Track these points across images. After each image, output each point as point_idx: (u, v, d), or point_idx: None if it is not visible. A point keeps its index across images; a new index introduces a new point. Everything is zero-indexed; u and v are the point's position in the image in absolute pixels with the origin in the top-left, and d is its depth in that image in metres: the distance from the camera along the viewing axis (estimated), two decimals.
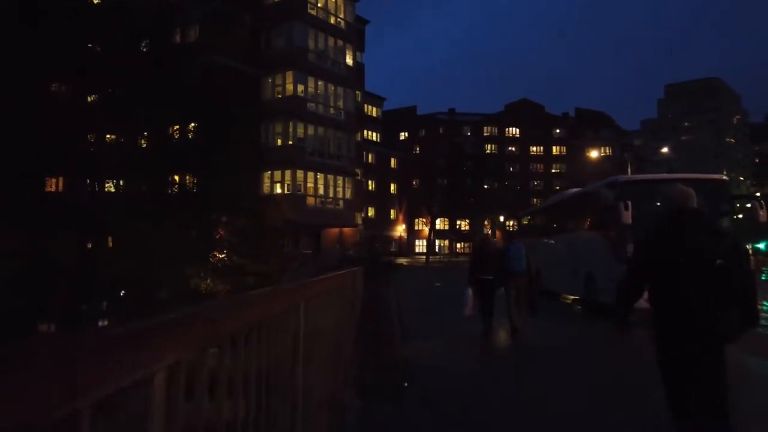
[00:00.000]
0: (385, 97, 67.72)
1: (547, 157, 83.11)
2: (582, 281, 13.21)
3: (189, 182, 32.91)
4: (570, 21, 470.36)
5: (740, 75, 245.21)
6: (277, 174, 34.80)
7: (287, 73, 34.67)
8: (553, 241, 16.15)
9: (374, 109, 64.47)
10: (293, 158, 34.04)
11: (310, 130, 35.35)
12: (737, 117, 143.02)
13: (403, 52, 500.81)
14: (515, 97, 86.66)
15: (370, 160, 60.42)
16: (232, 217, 30.91)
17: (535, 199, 78.32)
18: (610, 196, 11.55)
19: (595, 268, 12.36)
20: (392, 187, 65.30)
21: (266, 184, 35.19)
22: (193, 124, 32.16)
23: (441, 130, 78.89)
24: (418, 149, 76.43)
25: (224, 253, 28.79)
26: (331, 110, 37.30)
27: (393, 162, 66.13)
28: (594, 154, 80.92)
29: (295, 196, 34.32)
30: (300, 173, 34.74)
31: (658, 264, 3.28)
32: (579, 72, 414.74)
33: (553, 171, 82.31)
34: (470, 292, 9.86)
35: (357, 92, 46.23)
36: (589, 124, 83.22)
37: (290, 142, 34.38)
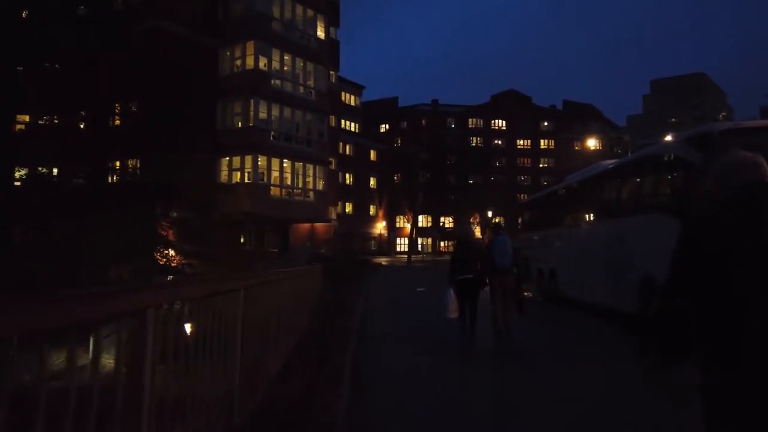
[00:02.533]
0: (365, 85, 63.21)
1: (535, 151, 79.27)
2: (634, 288, 8.88)
3: (131, 168, 28.38)
4: (556, 16, 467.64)
5: (727, 72, 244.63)
6: (236, 160, 30.17)
7: (248, 43, 30.07)
8: (581, 232, 11.85)
9: (352, 97, 60.03)
10: (254, 142, 29.44)
11: (275, 111, 30.78)
12: (723, 114, 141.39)
13: (384, 47, 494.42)
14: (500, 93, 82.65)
15: (347, 152, 55.95)
16: (179, 209, 26.44)
17: (522, 195, 74.48)
18: (695, 156, 7.25)
19: (660, 267, 7.98)
20: (372, 181, 60.84)
21: (224, 172, 30.54)
22: (136, 102, 27.57)
23: (424, 123, 74.65)
24: (399, 142, 72.07)
25: (163, 252, 24.17)
26: (300, 89, 32.76)
27: (372, 154, 61.67)
28: (584, 146, 77.37)
29: (257, 186, 29.73)
30: (262, 159, 30.15)
31: (718, 266, 2.12)
32: (565, 67, 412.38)
33: (540, 166, 78.49)
34: (452, 292, 8.95)
35: (331, 72, 41.75)
36: (577, 117, 79.55)
37: (251, 124, 29.76)
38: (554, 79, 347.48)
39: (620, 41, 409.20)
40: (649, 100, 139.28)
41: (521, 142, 79.17)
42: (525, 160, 78.76)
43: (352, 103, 59.79)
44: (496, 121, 78.58)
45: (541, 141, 79.73)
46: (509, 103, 78.27)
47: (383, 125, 76.16)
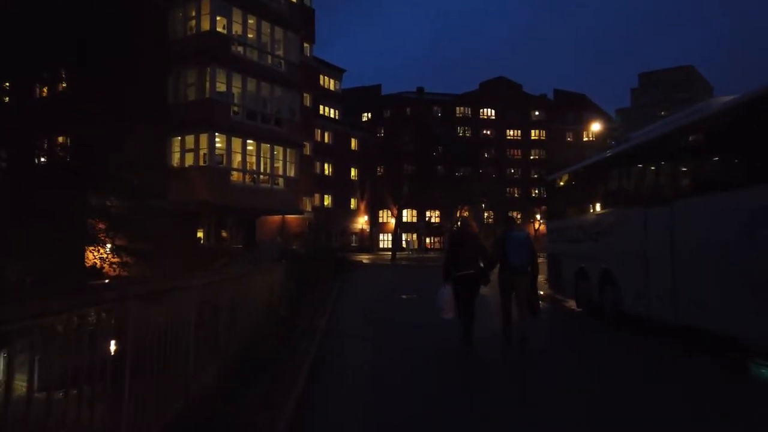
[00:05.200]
0: (345, 68, 58.42)
1: (526, 142, 75.13)
2: None
3: (59, 148, 23.70)
4: (543, 9, 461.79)
5: (714, 65, 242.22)
6: (190, 140, 25.49)
7: (203, 1, 25.37)
8: (674, 214, 7.45)
9: (332, 81, 55.33)
10: (211, 118, 24.80)
11: (236, 82, 26.14)
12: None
13: (367, 36, 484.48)
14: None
15: (326, 139, 51.36)
16: (116, 197, 21.84)
17: (513, 189, 70.47)
18: None
19: None
20: (353, 172, 56.27)
21: (175, 154, 25.85)
22: (68, 69, 22.77)
23: (408, 111, 70.21)
24: (382, 132, 67.52)
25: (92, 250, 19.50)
26: (268, 58, 28.14)
27: (353, 143, 57.10)
28: (577, 137, 73.75)
29: (214, 170, 25.10)
30: (221, 139, 25.53)
31: None
32: (551, 61, 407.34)
33: (531, 158, 74.44)
34: (448, 289, 7.78)
35: (305, 45, 37.16)
36: (569, 107, 75.62)
37: (207, 96, 25.10)
38: (541, 72, 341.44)
39: (607, 34, 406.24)
40: (638, 94, 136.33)
41: (511, 132, 75.05)
42: (515, 151, 74.64)
43: (332, 88, 55.11)
44: (485, 110, 74.34)
45: (532, 131, 75.72)
46: (499, 91, 74.08)
47: (365, 114, 71.62)
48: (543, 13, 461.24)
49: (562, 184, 12.46)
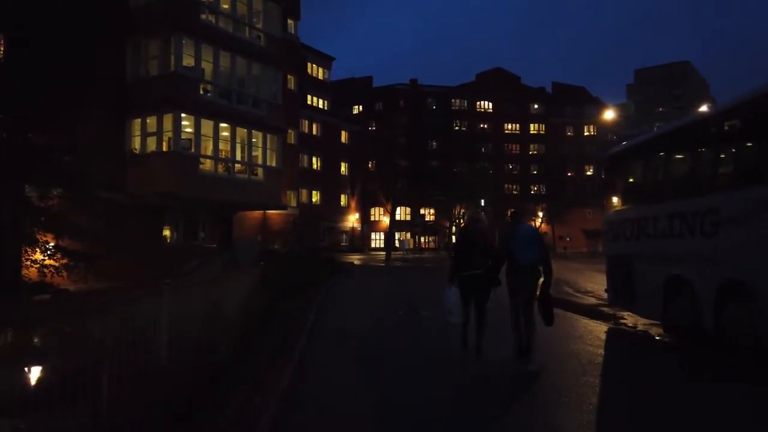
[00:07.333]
0: (334, 57, 54.72)
1: (524, 136, 71.87)
2: None
3: None
4: (538, 6, 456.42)
5: (707, 61, 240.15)
6: (151, 121, 21.89)
7: None
8: None
9: (321, 70, 51.75)
10: (176, 96, 21.22)
11: (206, 55, 22.59)
12: (708, 104, 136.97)
13: (358, 29, 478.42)
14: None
15: (314, 131, 47.71)
16: (60, 188, 18.27)
17: (511, 186, 67.30)
18: None
19: None
20: (343, 167, 52.62)
21: (136, 138, 22.23)
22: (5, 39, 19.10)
23: (401, 104, 66.84)
24: (374, 125, 64.09)
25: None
26: (245, 30, 24.62)
27: (344, 136, 53.40)
28: (577, 132, 70.84)
29: (181, 157, 21.54)
30: (188, 120, 21.97)
31: None
32: (547, 55, 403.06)
33: (530, 153, 71.18)
34: (455, 290, 7.23)
35: (290, 21, 33.61)
36: (568, 100, 72.45)
37: (172, 71, 21.53)
38: (537, 68, 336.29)
39: (603, 30, 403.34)
40: (634, 90, 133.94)
41: (509, 126, 71.78)
42: (513, 146, 71.37)
43: (320, 77, 51.51)
44: (482, 102, 70.98)
45: (531, 125, 72.47)
46: (496, 82, 70.74)
47: (356, 106, 68.02)
48: (539, 6, 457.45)
49: (640, 156, 8.96)
